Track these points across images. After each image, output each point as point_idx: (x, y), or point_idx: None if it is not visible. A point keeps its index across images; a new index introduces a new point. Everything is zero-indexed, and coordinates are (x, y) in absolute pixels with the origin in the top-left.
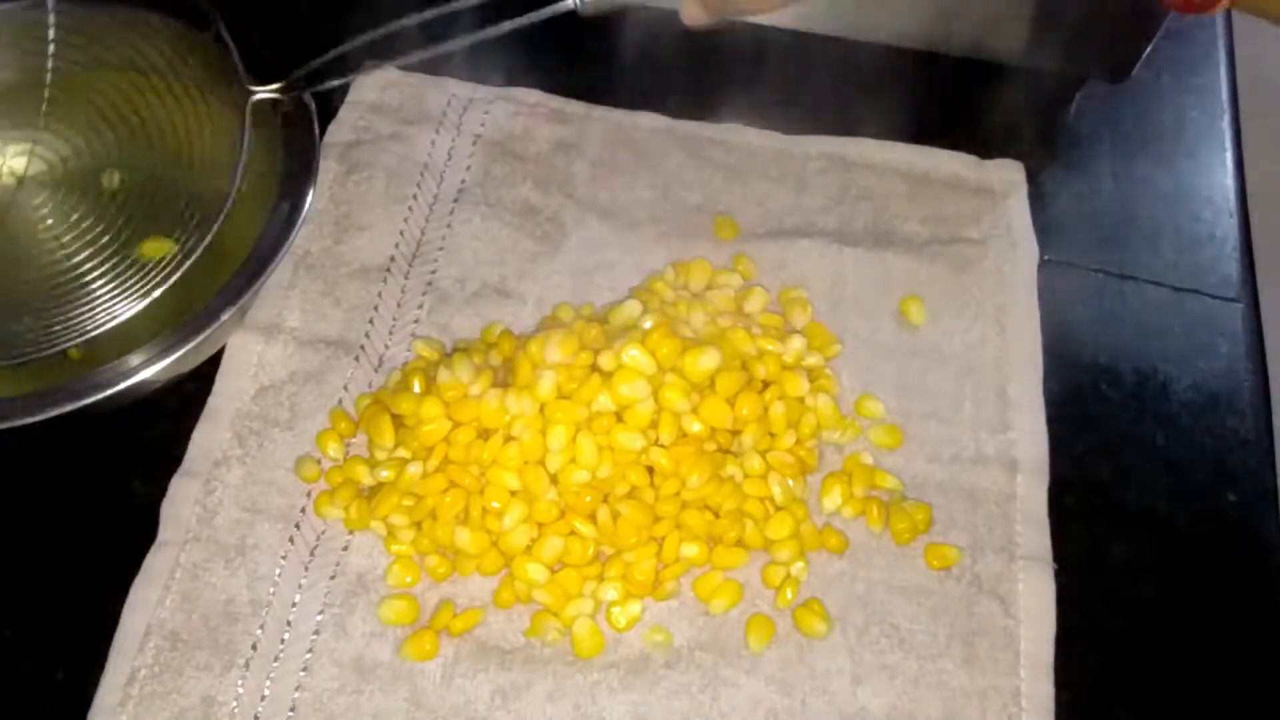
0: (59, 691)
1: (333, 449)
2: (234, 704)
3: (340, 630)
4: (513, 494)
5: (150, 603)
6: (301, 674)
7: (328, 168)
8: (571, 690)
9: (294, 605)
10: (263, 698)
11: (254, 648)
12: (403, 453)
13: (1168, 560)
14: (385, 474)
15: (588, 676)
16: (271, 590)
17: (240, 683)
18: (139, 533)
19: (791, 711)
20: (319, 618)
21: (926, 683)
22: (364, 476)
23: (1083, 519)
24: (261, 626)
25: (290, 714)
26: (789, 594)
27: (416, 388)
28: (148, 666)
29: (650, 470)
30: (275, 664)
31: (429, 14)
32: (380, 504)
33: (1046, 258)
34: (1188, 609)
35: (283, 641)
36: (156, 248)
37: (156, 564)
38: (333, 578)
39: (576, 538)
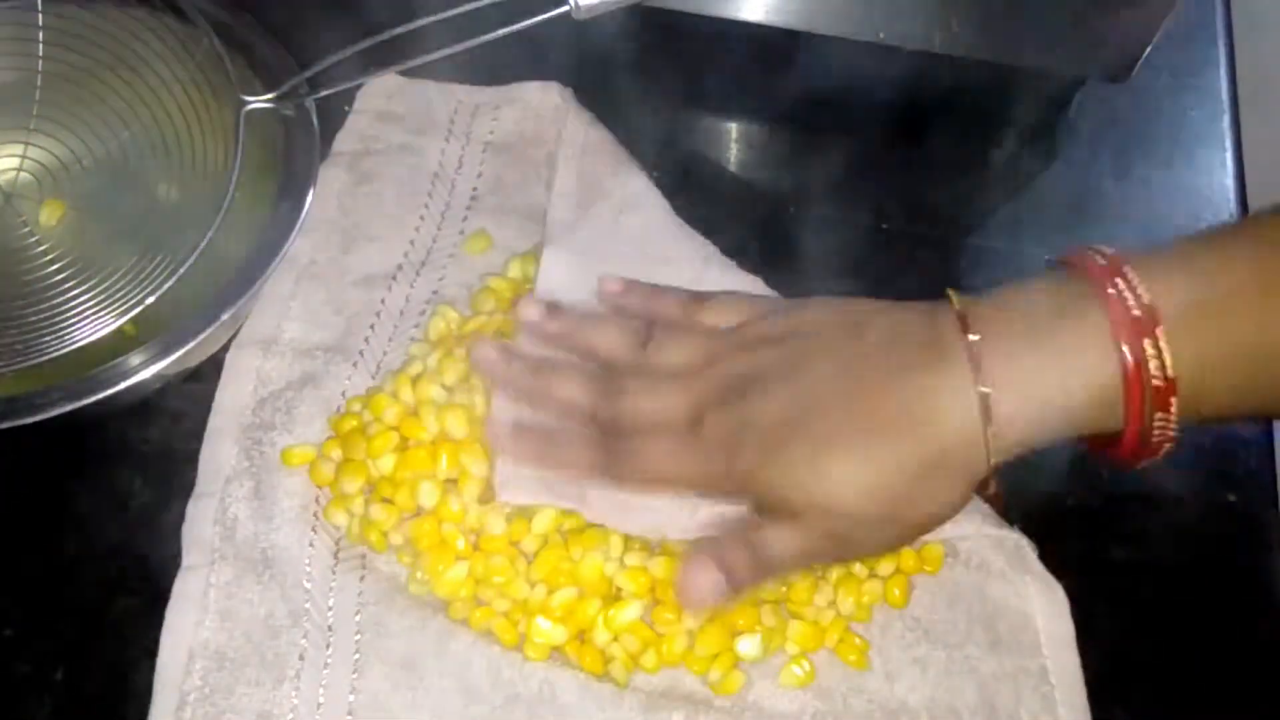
0: (59, 691)
1: (335, 454)
2: (290, 716)
3: (381, 628)
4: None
5: (188, 626)
6: (354, 677)
7: (336, 176)
8: (611, 700)
9: (330, 609)
10: (319, 706)
11: (301, 658)
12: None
13: (1167, 560)
14: (374, 510)
15: (624, 697)
16: (306, 598)
17: (294, 694)
18: (139, 533)
19: (836, 714)
20: (357, 619)
21: (957, 671)
22: (365, 477)
23: (1081, 519)
24: (305, 636)
25: (349, 718)
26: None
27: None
28: (197, 689)
29: None
30: (325, 671)
31: (428, 19)
32: (371, 529)
33: (1047, 258)
34: (1187, 609)
35: (328, 647)
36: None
37: (188, 588)
38: (362, 578)
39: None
